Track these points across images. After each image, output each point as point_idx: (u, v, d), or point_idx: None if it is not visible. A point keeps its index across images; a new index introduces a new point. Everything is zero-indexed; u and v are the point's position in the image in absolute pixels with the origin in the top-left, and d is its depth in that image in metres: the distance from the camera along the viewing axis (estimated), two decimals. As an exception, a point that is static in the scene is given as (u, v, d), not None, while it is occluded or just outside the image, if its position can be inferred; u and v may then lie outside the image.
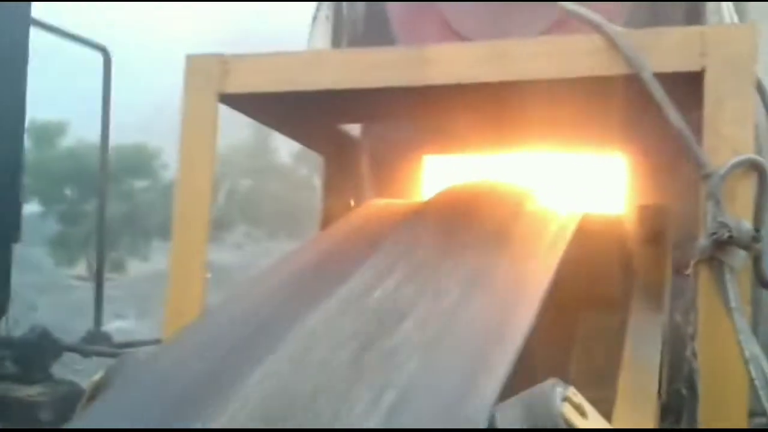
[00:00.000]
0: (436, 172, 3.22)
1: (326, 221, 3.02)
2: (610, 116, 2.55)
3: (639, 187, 2.84)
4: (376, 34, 3.17)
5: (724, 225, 1.82)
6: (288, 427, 1.73)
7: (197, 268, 2.29)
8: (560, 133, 2.79)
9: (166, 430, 1.88)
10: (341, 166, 3.18)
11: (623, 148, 2.88)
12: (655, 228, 2.45)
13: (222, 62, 2.25)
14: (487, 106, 2.45)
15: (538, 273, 2.14)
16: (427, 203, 2.91)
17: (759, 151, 2.30)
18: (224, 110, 2.33)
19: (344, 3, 3.24)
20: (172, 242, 2.33)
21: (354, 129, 3.23)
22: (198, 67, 2.27)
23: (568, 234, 2.43)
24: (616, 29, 2.07)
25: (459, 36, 2.75)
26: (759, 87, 2.19)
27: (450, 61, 2.16)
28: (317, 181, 3.24)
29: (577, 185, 3.00)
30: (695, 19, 2.92)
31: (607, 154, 2.96)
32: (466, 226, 2.56)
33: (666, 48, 2.02)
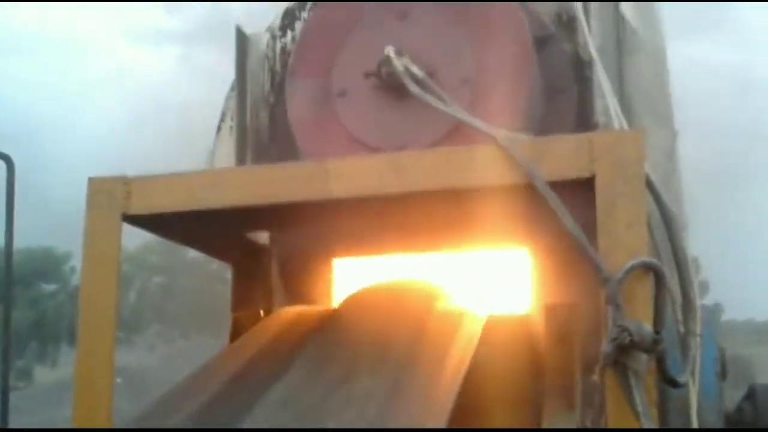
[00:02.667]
0: (347, 275, 3.23)
1: (236, 331, 2.98)
2: (512, 218, 2.62)
3: (546, 284, 2.89)
4: (281, 143, 3.21)
5: (624, 329, 1.87)
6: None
7: (104, 377, 2.23)
8: (465, 235, 2.84)
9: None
10: (250, 273, 3.16)
11: (529, 247, 2.95)
12: (563, 328, 2.49)
13: (124, 183, 2.23)
14: (390, 213, 2.49)
15: (449, 380, 2.16)
16: (340, 310, 2.91)
17: (655, 248, 2.40)
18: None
19: (248, 113, 3.28)
20: (77, 354, 2.27)
21: (262, 235, 3.23)
22: (100, 188, 2.24)
23: (477, 335, 2.46)
24: (508, 140, 2.14)
25: (359, 143, 2.80)
26: (650, 186, 2.28)
27: (351, 175, 2.19)
28: (229, 274, 3.20)
29: (484, 283, 3.05)
30: (586, 118, 3.06)
31: (513, 253, 3.02)
32: (381, 332, 2.57)
33: (557, 155, 2.10)
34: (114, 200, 2.20)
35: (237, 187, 2.22)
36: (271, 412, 1.91)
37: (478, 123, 2.34)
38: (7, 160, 7.45)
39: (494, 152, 2.13)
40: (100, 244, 2.23)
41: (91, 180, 2.23)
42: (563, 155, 2.10)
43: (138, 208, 2.21)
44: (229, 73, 3.33)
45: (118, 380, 2.35)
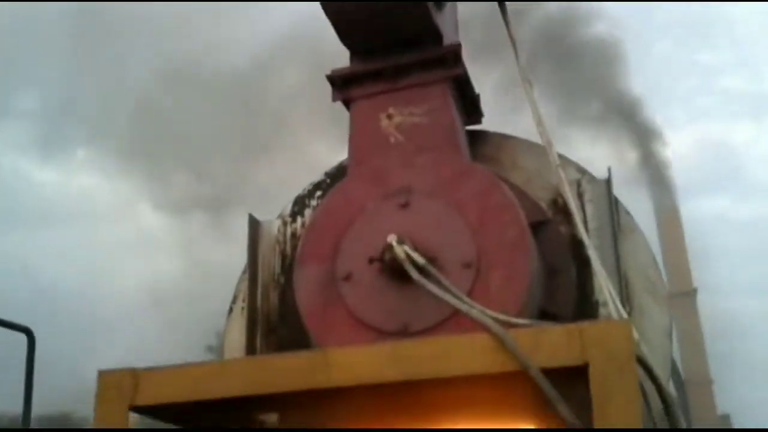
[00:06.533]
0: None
1: None
2: (513, 401, 2.66)
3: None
4: (290, 323, 3.31)
5: None
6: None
7: None
8: (467, 417, 2.86)
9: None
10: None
11: (534, 424, 2.96)
12: None
13: (133, 375, 2.31)
14: (393, 399, 2.53)
15: None
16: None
17: (652, 421, 2.42)
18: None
19: (258, 295, 3.40)
20: None
21: (272, 415, 3.26)
22: (109, 381, 2.32)
23: None
24: (502, 329, 2.23)
25: (363, 325, 2.89)
26: (643, 364, 2.33)
27: (352, 364, 2.27)
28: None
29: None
30: (585, 296, 3.16)
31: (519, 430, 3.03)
32: None
33: (549, 345, 2.17)
34: (122, 392, 2.28)
35: (242, 378, 2.29)
36: None
37: (474, 312, 2.43)
38: (28, 333, 7.58)
39: (489, 341, 2.21)
40: (108, 434, 2.28)
41: (100, 372, 2.31)
42: (555, 344, 2.17)
43: (145, 398, 2.28)
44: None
45: None
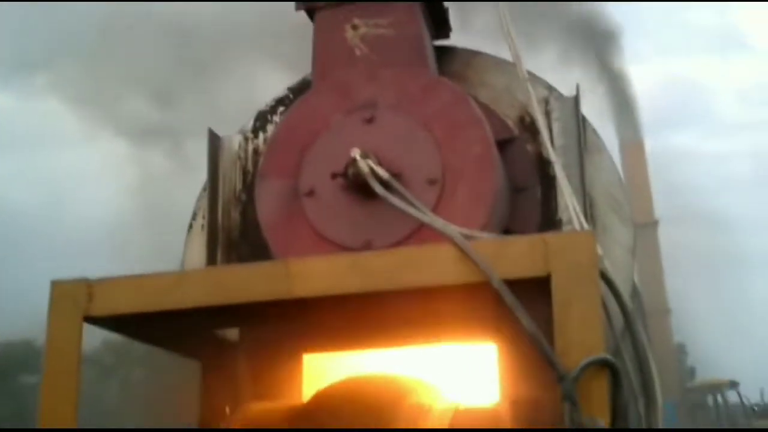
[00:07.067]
0: (317, 370, 3.23)
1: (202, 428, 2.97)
2: (475, 313, 2.66)
3: (512, 378, 2.90)
4: (252, 240, 3.26)
5: (580, 426, 1.89)
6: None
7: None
8: (431, 328, 2.87)
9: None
10: (219, 370, 3.15)
11: (494, 340, 2.97)
12: (528, 423, 2.50)
13: (87, 286, 2.25)
14: (355, 310, 2.51)
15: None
16: (306, 406, 2.90)
17: (615, 340, 2.44)
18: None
19: (219, 212, 3.33)
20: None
21: (232, 332, 3.24)
22: (63, 291, 2.26)
23: (444, 427, 2.46)
24: (465, 240, 2.20)
25: (326, 241, 2.85)
26: (608, 282, 2.33)
27: (313, 275, 2.23)
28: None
29: (452, 375, 3.06)
30: (550, 215, 3.14)
31: (479, 346, 3.04)
32: (347, 427, 2.57)
33: (513, 256, 2.16)
34: (76, 303, 2.22)
35: (200, 288, 2.25)
36: None
37: (438, 224, 2.40)
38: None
39: (452, 252, 2.18)
40: (61, 345, 2.24)
41: (53, 283, 2.25)
42: (519, 255, 2.16)
43: (100, 309, 2.23)
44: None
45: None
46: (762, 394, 22.25)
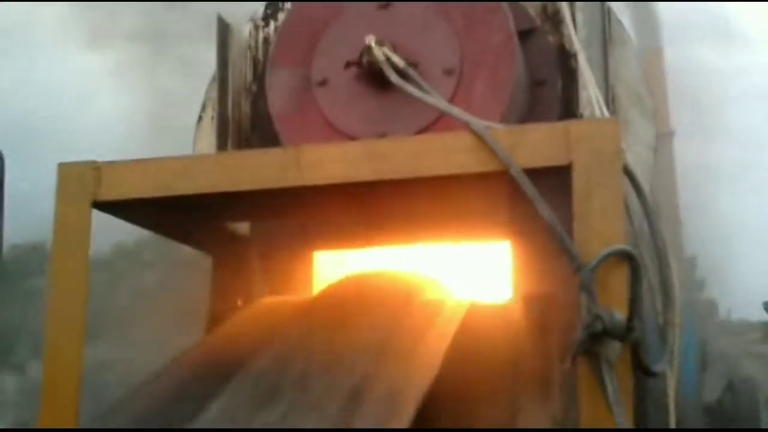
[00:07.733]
0: (327, 268, 3.20)
1: (213, 321, 2.96)
2: (490, 207, 2.60)
3: (526, 274, 2.87)
4: (263, 132, 3.18)
5: (597, 317, 1.84)
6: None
7: (72, 374, 2.19)
8: (444, 225, 2.81)
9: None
10: (230, 264, 3.13)
11: (508, 236, 2.93)
12: (541, 318, 2.47)
13: (95, 168, 2.19)
14: (368, 203, 2.46)
15: (423, 368, 2.14)
16: (317, 299, 2.88)
17: (635, 238, 2.37)
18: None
19: (229, 104, 3.24)
20: (44, 350, 2.24)
21: (243, 227, 3.20)
22: (70, 174, 2.20)
23: (455, 325, 2.44)
24: (483, 127, 2.12)
25: (339, 132, 2.77)
26: (629, 175, 2.25)
27: (326, 162, 2.16)
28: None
29: (464, 273, 3.02)
30: (570, 109, 3.04)
31: (493, 243, 3.00)
32: (356, 323, 2.54)
33: (533, 144, 2.08)
34: (84, 187, 2.17)
35: (209, 174, 2.19)
36: (229, 401, 1.89)
37: (455, 112, 2.31)
38: (-1, 154, 7.42)
39: (469, 140, 2.11)
40: (69, 232, 2.19)
41: (60, 165, 2.19)
42: (539, 143, 2.08)
43: (109, 194, 2.17)
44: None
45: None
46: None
